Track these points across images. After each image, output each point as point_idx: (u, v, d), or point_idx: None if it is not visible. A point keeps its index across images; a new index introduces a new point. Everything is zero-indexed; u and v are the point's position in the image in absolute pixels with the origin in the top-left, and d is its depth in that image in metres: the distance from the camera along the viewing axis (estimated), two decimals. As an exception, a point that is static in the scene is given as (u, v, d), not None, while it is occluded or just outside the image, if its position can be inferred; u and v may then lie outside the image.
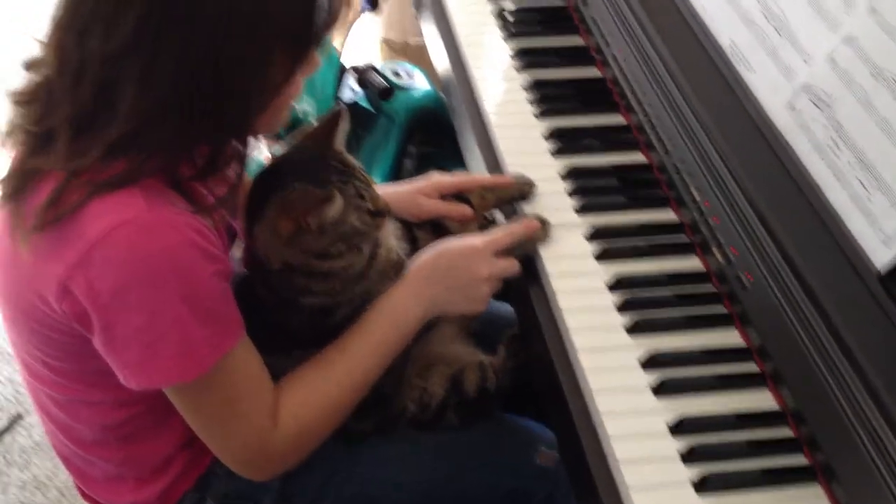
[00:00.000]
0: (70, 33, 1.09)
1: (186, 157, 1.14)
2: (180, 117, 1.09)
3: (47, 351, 1.22)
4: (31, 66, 1.17)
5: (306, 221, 1.20)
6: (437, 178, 1.47)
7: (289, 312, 1.29)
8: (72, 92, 1.09)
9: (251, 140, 1.21)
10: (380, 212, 1.27)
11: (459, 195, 1.44)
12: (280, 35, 1.11)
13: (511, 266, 1.31)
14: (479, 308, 1.33)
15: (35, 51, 1.16)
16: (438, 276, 1.30)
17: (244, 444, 1.24)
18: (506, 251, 1.31)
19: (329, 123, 1.29)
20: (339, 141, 1.29)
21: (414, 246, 1.39)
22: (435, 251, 1.32)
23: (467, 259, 1.30)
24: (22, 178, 1.13)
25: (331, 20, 1.15)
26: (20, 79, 1.18)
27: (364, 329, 1.29)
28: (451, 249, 1.31)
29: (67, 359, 1.22)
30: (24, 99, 1.16)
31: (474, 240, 1.31)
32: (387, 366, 1.31)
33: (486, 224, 1.44)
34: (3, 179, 1.16)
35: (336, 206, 1.20)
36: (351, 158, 1.29)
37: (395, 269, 1.33)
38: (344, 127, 1.29)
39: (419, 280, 1.30)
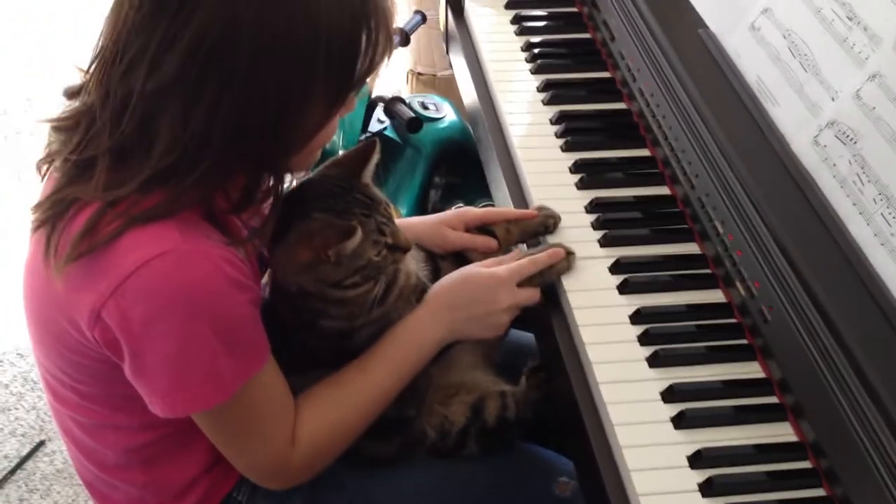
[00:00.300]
0: (115, 67, 1.10)
1: (222, 191, 1.16)
2: (218, 154, 1.10)
3: (76, 376, 1.23)
4: (71, 94, 1.19)
5: (325, 253, 1.21)
6: (463, 211, 1.48)
7: (309, 334, 1.30)
8: (113, 123, 1.10)
9: (285, 176, 1.22)
10: (399, 247, 1.28)
11: (484, 228, 1.45)
12: (322, 79, 1.12)
13: (532, 296, 1.32)
14: (498, 334, 1.34)
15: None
16: (460, 304, 1.31)
17: (263, 461, 1.25)
18: (528, 280, 1.32)
19: (361, 155, 1.30)
20: (368, 174, 1.30)
21: (437, 276, 1.40)
22: (458, 278, 1.33)
23: (489, 290, 1.30)
24: (57, 205, 1.14)
25: (372, 67, 1.17)
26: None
27: (384, 351, 1.30)
28: (474, 279, 1.32)
29: (96, 384, 1.23)
30: (66, 125, 1.17)
31: (498, 269, 1.32)
32: (403, 387, 1.31)
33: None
34: (38, 205, 1.17)
35: (355, 241, 1.21)
36: (377, 192, 1.30)
37: (417, 294, 1.34)
38: (375, 160, 1.30)
39: (441, 306, 1.31)
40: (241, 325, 1.16)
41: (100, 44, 1.13)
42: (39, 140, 1.22)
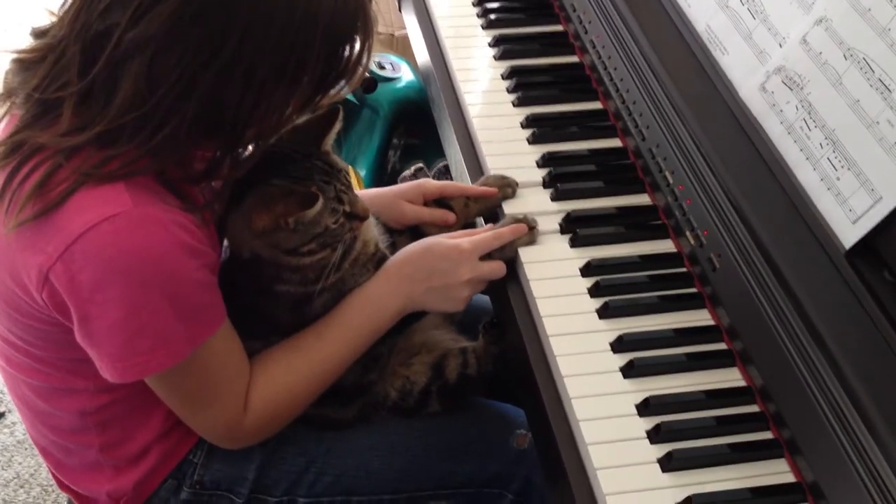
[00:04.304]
0: (95, 2, 1.06)
1: (178, 162, 1.13)
2: (187, 123, 1.07)
3: (28, 339, 1.22)
4: (39, 34, 1.15)
5: (285, 220, 1.19)
6: (421, 183, 1.45)
7: (266, 300, 1.29)
8: (84, 62, 1.07)
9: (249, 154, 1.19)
10: (357, 215, 1.27)
11: (442, 201, 1.43)
12: (311, 68, 1.10)
13: (496, 269, 1.29)
14: (458, 308, 1.32)
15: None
16: (420, 275, 1.29)
17: (216, 423, 1.25)
18: (489, 255, 1.29)
19: (323, 122, 1.27)
20: (329, 141, 1.28)
21: (393, 251, 1.39)
22: (420, 248, 1.30)
23: (450, 261, 1.28)
24: (16, 149, 1.10)
25: (356, 67, 1.16)
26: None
27: (341, 318, 1.29)
28: (435, 249, 1.29)
29: (48, 347, 1.22)
30: (30, 58, 1.13)
31: (461, 241, 1.29)
32: (360, 354, 1.30)
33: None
34: None
35: (316, 208, 1.19)
36: (336, 159, 1.28)
37: (374, 262, 1.32)
38: (336, 128, 1.28)
39: (400, 276, 1.29)
40: (194, 291, 1.14)
41: None
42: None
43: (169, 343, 1.13)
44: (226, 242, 1.31)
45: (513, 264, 1.31)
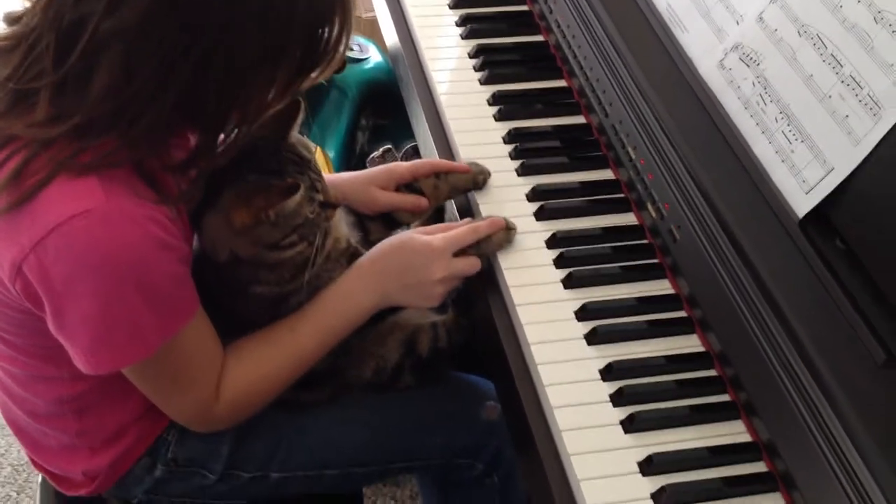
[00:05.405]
0: None
1: (156, 152, 1.13)
2: (166, 113, 1.07)
3: (3, 326, 1.22)
4: (12, 20, 1.13)
5: (266, 213, 1.19)
6: (391, 167, 1.46)
7: (241, 302, 1.30)
8: (59, 51, 1.05)
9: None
10: (330, 203, 1.28)
11: (413, 186, 1.43)
12: (292, 53, 1.10)
13: (470, 266, 1.29)
14: (432, 304, 1.32)
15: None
16: (393, 271, 1.29)
17: (188, 410, 1.27)
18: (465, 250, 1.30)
19: (286, 115, 1.27)
20: (294, 132, 1.28)
21: (365, 236, 1.40)
22: (394, 244, 1.31)
23: (423, 258, 1.28)
24: None
25: (336, 50, 1.15)
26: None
27: (314, 313, 1.29)
28: (408, 246, 1.29)
29: (23, 335, 1.22)
30: (4, 45, 1.11)
31: (434, 238, 1.29)
32: (333, 347, 1.32)
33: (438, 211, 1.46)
34: None
35: (296, 198, 1.20)
36: (303, 151, 1.28)
37: (348, 258, 1.33)
38: (300, 120, 1.28)
39: (373, 272, 1.30)
40: (166, 285, 1.14)
41: None
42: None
43: (142, 336, 1.14)
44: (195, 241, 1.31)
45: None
